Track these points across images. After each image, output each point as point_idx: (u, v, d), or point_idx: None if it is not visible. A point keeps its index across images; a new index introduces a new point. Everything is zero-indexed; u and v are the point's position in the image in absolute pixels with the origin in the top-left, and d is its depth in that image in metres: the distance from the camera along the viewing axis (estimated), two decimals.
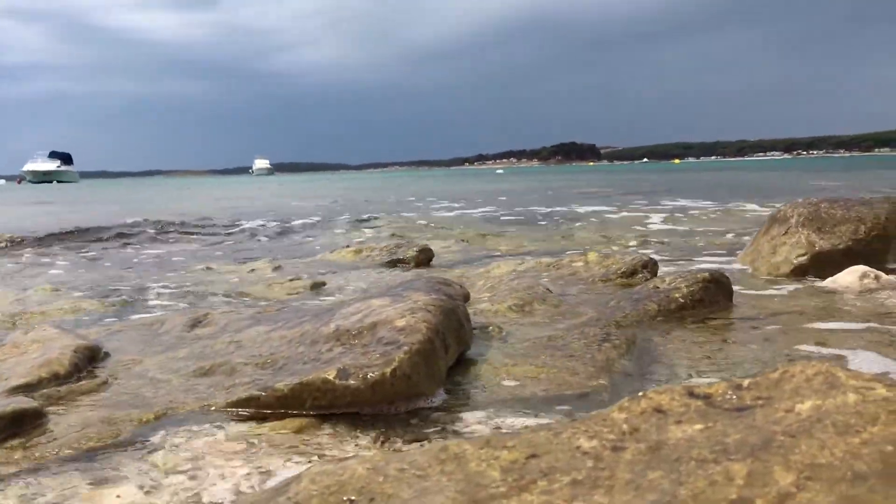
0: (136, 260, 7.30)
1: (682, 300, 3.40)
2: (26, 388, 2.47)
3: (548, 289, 3.90)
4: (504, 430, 2.03)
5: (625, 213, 11.70)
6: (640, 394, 1.54)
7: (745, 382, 1.49)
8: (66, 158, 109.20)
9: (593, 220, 10.75)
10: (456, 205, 16.40)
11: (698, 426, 1.38)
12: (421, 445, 1.57)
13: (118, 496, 1.76)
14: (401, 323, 2.41)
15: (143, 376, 2.68)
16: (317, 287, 4.89)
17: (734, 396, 1.46)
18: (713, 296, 3.49)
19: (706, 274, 3.56)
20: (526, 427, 1.93)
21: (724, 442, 1.29)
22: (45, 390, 2.50)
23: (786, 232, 4.83)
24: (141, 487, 1.81)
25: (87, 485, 1.83)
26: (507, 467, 1.40)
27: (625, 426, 1.44)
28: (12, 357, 2.79)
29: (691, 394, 1.50)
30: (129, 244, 8.99)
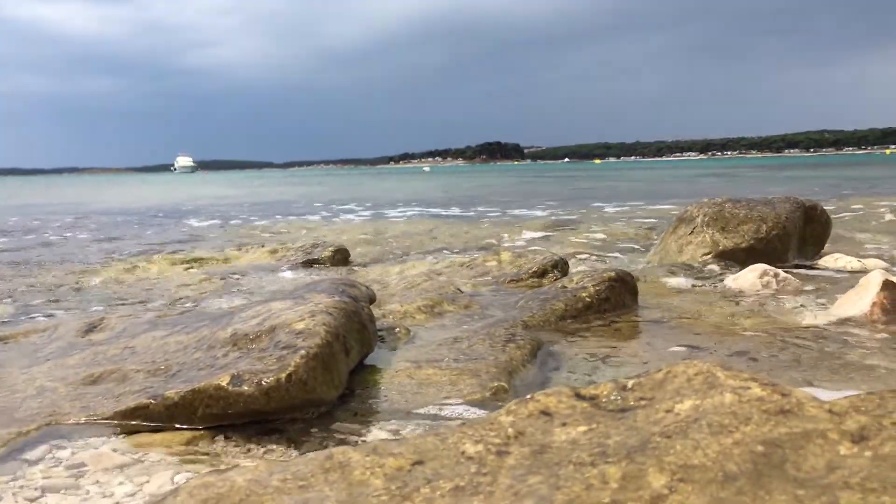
0: (34, 259, 6.99)
1: (588, 300, 3.44)
2: None
3: (459, 289, 3.89)
4: (399, 436, 2.00)
5: (537, 213, 11.84)
6: (529, 396, 1.53)
7: (630, 383, 1.50)
8: None
9: (507, 218, 10.84)
10: (379, 203, 16.32)
11: (582, 428, 1.38)
12: (305, 455, 1.52)
13: None
14: (299, 326, 2.36)
15: (29, 385, 2.54)
16: (228, 287, 4.77)
17: (619, 398, 1.47)
18: (619, 295, 3.54)
19: (612, 273, 3.60)
20: (416, 432, 1.90)
21: (605, 444, 1.28)
22: None
23: (692, 231, 4.95)
24: None
25: None
26: (392, 475, 1.37)
27: (510, 430, 1.43)
28: None
29: (578, 395, 1.50)
30: (28, 243, 8.61)
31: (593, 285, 3.52)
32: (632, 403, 1.43)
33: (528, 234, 8.12)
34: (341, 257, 6.21)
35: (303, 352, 2.19)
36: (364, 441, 2.02)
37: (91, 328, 3.17)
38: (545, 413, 1.47)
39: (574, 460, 1.24)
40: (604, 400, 1.48)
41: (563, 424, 1.42)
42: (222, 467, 1.82)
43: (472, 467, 1.34)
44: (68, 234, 10.08)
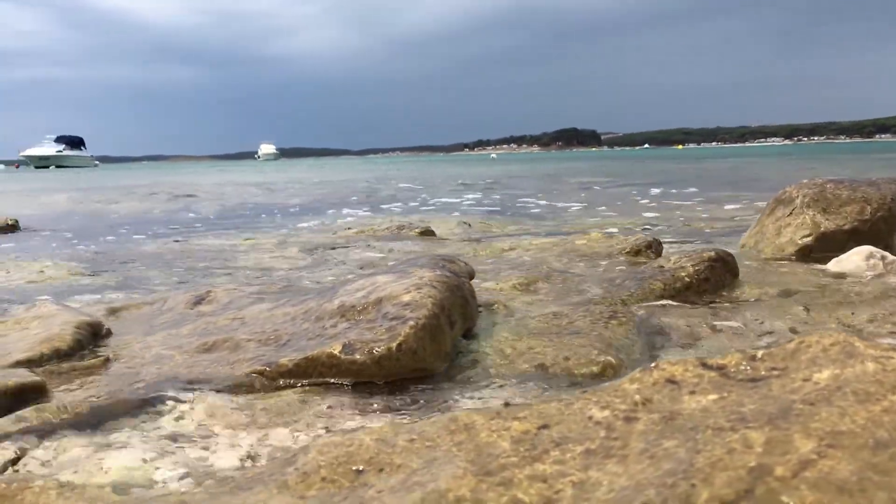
0: (143, 235, 7.28)
1: (687, 279, 3.37)
2: (28, 364, 2.44)
3: (552, 267, 3.87)
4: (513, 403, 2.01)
5: (623, 197, 11.66)
6: (653, 365, 1.52)
7: (760, 354, 1.47)
8: (75, 143, 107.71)
9: (592, 204, 10.72)
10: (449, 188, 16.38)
11: (713, 396, 1.36)
12: (429, 418, 1.55)
13: (125, 462, 1.73)
14: (406, 298, 2.39)
15: (147, 353, 2.65)
16: (325, 261, 4.87)
17: (748, 367, 1.44)
18: (719, 275, 3.46)
19: (712, 253, 3.53)
20: (536, 399, 1.90)
21: (741, 411, 1.26)
22: (47, 366, 2.48)
23: (791, 213, 4.79)
24: (145, 455, 1.77)
25: (93, 450, 1.79)
26: (519, 438, 1.38)
27: (637, 397, 1.42)
28: (14, 332, 2.77)
29: (704, 365, 1.48)
30: (140, 224, 8.97)
31: (692, 265, 3.45)
32: (763, 373, 1.40)
33: (614, 216, 8.01)
34: (428, 237, 6.26)
35: (412, 322, 2.23)
36: (472, 407, 2.03)
37: (199, 300, 3.28)
38: (671, 381, 1.45)
39: (711, 425, 1.22)
40: (732, 370, 1.45)
41: (692, 393, 1.40)
42: (345, 426, 1.87)
43: (601, 432, 1.33)
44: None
